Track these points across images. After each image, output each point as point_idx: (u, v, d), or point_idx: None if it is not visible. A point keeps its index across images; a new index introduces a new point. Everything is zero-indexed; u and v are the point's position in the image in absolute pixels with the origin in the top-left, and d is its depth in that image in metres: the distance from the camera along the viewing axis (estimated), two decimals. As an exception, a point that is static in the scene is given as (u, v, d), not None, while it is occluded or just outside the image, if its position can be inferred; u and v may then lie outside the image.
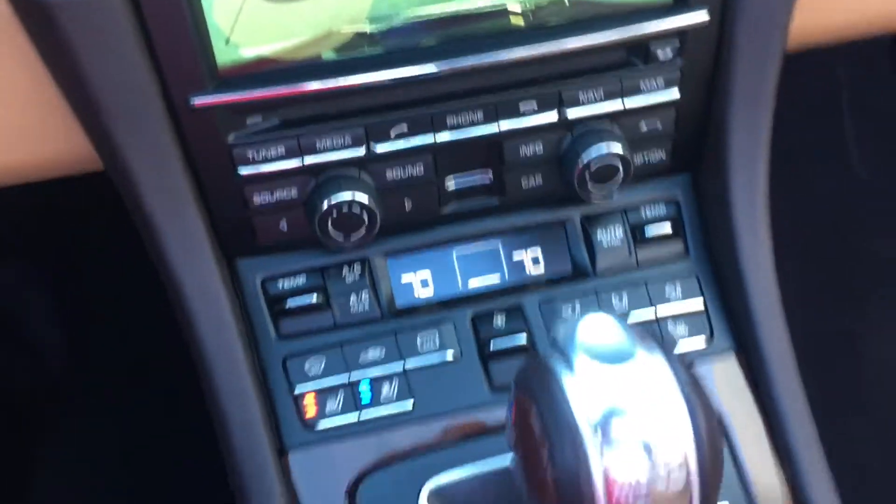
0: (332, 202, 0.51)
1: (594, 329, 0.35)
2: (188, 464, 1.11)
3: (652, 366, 0.34)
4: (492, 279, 0.57)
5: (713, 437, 0.34)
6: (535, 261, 0.58)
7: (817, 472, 0.55)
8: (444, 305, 0.56)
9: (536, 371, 0.35)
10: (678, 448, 0.33)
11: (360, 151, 0.51)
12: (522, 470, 0.37)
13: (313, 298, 0.54)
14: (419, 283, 0.57)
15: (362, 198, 0.51)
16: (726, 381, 0.56)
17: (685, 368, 0.35)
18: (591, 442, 0.33)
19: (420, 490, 0.50)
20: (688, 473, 0.33)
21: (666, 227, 0.58)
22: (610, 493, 0.33)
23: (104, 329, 1.15)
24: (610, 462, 0.33)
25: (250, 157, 0.50)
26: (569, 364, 0.34)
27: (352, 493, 0.51)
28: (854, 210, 1.28)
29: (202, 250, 0.52)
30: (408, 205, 0.55)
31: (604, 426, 0.33)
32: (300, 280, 0.55)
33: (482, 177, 0.55)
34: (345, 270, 0.55)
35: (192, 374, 0.56)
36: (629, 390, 0.34)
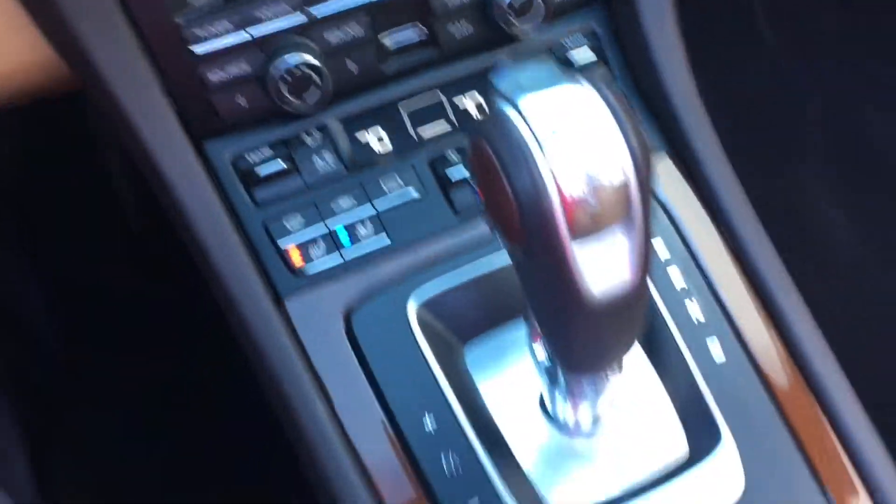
0: (284, 67, 0.56)
1: (532, 69, 0.40)
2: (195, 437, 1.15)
3: (588, 93, 0.39)
4: (441, 126, 0.63)
5: (644, 145, 0.39)
6: (480, 107, 0.63)
7: (768, 259, 0.61)
8: (401, 156, 0.61)
9: (486, 117, 0.40)
10: (616, 156, 0.39)
11: (301, 17, 0.56)
12: (488, 214, 0.42)
13: (281, 165, 0.59)
14: (375, 140, 0.61)
15: (310, 59, 0.56)
16: (668, 179, 0.62)
17: (617, 96, 0.40)
18: (541, 160, 0.38)
19: (407, 306, 0.56)
20: (625, 177, 0.39)
21: (590, 55, 0.64)
22: (564, 203, 0.38)
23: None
24: (561, 176, 0.38)
25: (200, 35, 0.55)
26: (512, 101, 0.39)
27: (348, 324, 0.56)
28: (766, 78, 1.37)
29: (173, 131, 0.57)
30: (352, 66, 0.60)
31: (550, 145, 0.38)
32: (267, 152, 0.60)
33: (417, 31, 0.61)
34: (306, 138, 0.60)
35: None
36: (569, 111, 0.39)
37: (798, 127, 1.45)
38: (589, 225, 0.39)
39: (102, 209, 1.12)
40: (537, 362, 0.50)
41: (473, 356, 0.57)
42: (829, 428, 0.54)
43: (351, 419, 0.53)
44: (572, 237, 0.39)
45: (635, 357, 0.56)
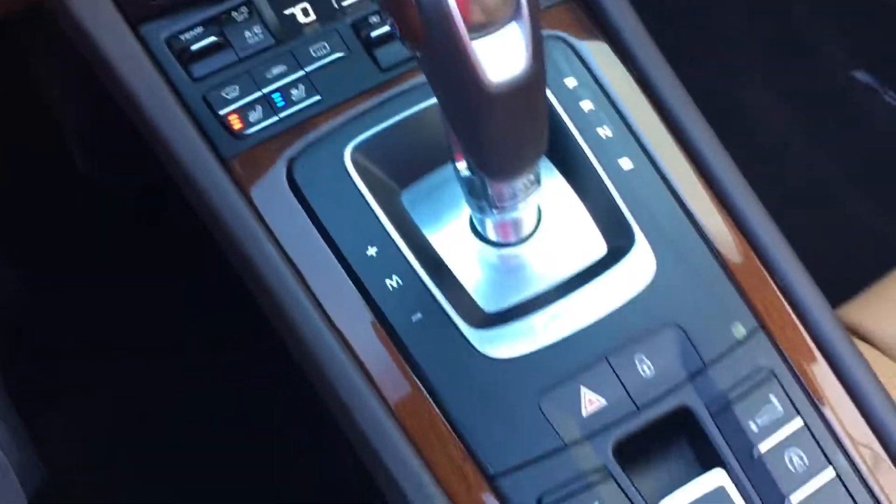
0: None
1: None
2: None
3: None
4: None
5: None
6: None
7: (708, 140, 0.64)
8: (325, 24, 0.65)
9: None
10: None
11: None
12: (391, 18, 0.46)
13: (213, 39, 0.63)
14: (300, 12, 0.66)
15: None
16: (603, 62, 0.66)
17: None
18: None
19: (344, 152, 0.60)
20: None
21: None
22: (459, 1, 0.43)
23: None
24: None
25: None
26: None
27: (290, 176, 0.61)
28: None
29: (109, 13, 0.62)
30: (271, -56, 0.64)
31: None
32: (199, 30, 0.64)
33: None
34: (235, 14, 0.65)
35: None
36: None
37: (725, 15, 1.51)
38: (482, 19, 0.44)
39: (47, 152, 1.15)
40: (461, 179, 0.55)
41: (409, 197, 0.62)
42: (733, 224, 0.60)
43: (300, 256, 0.58)
44: (468, 31, 0.44)
45: (552, 177, 0.61)
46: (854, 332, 0.83)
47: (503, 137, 0.49)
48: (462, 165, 0.55)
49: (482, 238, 0.60)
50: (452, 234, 0.61)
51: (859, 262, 0.96)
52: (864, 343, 0.80)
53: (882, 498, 0.52)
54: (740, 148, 1.53)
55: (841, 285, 0.91)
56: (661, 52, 0.70)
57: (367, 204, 0.59)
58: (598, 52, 0.65)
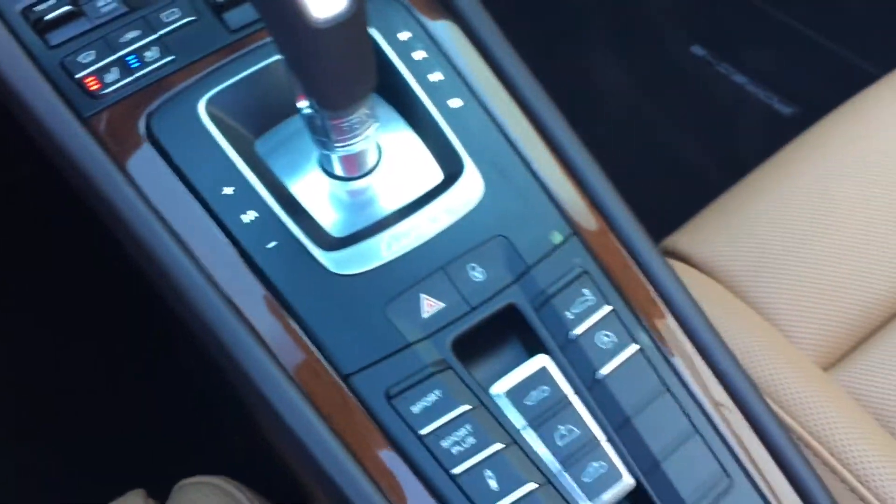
0: None
1: None
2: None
3: None
4: None
5: None
6: None
7: (530, 85, 0.72)
8: None
9: None
10: None
11: None
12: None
13: (67, 7, 0.68)
14: None
15: None
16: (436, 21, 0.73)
17: None
18: None
19: (198, 104, 0.66)
20: None
21: None
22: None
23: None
24: None
25: None
26: None
27: (150, 131, 0.66)
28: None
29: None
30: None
31: None
32: (52, 1, 0.68)
33: None
34: None
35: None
36: None
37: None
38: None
39: None
40: (304, 118, 0.61)
41: (263, 144, 0.68)
42: (552, 151, 0.68)
43: (161, 201, 0.63)
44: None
45: (392, 117, 0.68)
46: (678, 256, 0.93)
47: (332, 72, 0.56)
48: (303, 103, 0.61)
49: (330, 174, 0.66)
50: (303, 173, 0.67)
51: (687, 201, 1.08)
52: (683, 264, 0.91)
53: (678, 364, 0.62)
54: (592, 118, 1.67)
55: (671, 220, 1.03)
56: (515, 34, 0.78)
57: (222, 149, 0.65)
58: (429, 10, 0.72)
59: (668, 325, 0.63)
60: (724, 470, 0.59)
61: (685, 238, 0.94)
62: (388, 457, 0.58)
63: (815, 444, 0.75)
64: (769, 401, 0.77)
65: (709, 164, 1.53)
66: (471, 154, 0.66)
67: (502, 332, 0.63)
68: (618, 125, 1.58)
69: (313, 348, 0.60)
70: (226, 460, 1.06)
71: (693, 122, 1.58)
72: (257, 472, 0.93)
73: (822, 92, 1.35)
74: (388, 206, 0.66)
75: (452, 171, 0.67)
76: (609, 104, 1.61)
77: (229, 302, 0.61)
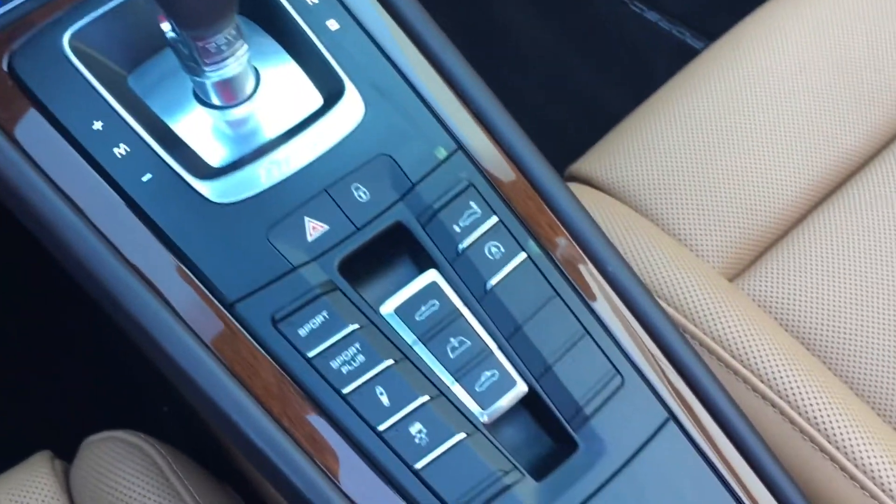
0: None
1: None
2: None
3: None
4: None
5: None
6: None
7: (415, 10, 0.71)
8: None
9: None
10: None
11: None
12: None
13: None
14: None
15: None
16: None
17: None
18: None
19: (62, 40, 0.63)
20: None
21: None
22: None
23: None
24: None
25: None
26: None
27: (13, 72, 0.63)
28: None
29: None
30: None
31: None
32: None
33: None
34: None
35: None
36: None
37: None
38: None
39: None
40: (170, 43, 0.59)
41: (136, 79, 0.66)
42: (436, 70, 0.67)
43: (27, 140, 0.61)
44: None
45: (267, 42, 0.66)
46: (584, 181, 0.93)
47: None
48: (166, 27, 0.59)
49: (206, 104, 0.64)
50: (178, 104, 0.65)
51: (601, 136, 1.08)
52: (588, 187, 0.91)
53: (567, 270, 0.61)
54: (501, 55, 1.65)
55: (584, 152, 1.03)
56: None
57: (89, 84, 0.62)
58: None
59: (557, 233, 0.63)
60: (616, 369, 0.59)
61: (590, 162, 0.94)
62: (278, 381, 0.57)
63: (718, 349, 0.76)
64: (671, 310, 0.78)
65: (623, 99, 1.54)
66: (350, 75, 0.65)
67: (392, 251, 0.62)
68: (529, 63, 1.58)
69: (195, 280, 0.59)
70: (144, 418, 1.04)
71: (606, 59, 1.59)
72: (178, 429, 0.92)
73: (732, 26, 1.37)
74: (268, 132, 0.64)
75: (332, 93, 0.65)
76: (519, 42, 1.61)
77: (105, 239, 0.59)
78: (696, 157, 0.91)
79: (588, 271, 0.62)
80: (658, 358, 0.60)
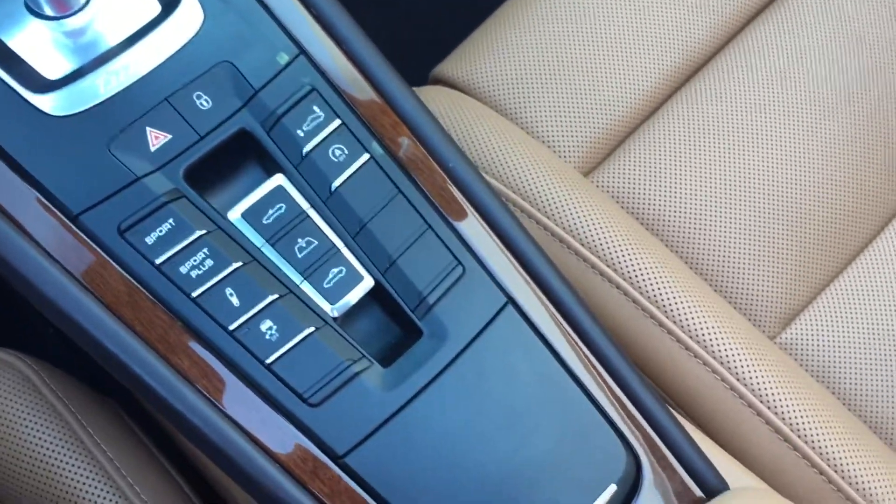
0: None
1: None
2: None
3: None
4: None
5: None
6: None
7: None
8: None
9: None
10: None
11: None
12: None
13: None
14: None
15: None
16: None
17: None
18: None
19: None
20: None
21: None
22: None
23: None
24: None
25: None
26: None
27: None
28: None
29: None
30: None
31: None
32: None
33: None
34: None
35: None
36: None
37: None
38: None
39: None
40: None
41: None
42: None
43: None
44: None
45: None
46: (447, 83, 0.95)
47: None
48: (-15, -65, 0.57)
49: (39, 15, 0.63)
50: (11, 19, 0.63)
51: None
52: (451, 89, 0.93)
53: (410, 168, 0.64)
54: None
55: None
56: None
57: None
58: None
59: (399, 133, 0.65)
60: (458, 259, 0.63)
61: (452, 64, 0.95)
62: (128, 289, 0.58)
63: (569, 238, 0.80)
64: (526, 204, 0.82)
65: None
66: None
67: (237, 158, 0.63)
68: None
69: (38, 194, 0.59)
70: (27, 339, 1.03)
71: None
72: (63, 351, 0.92)
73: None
74: (104, 43, 0.63)
75: (169, 1, 0.65)
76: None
77: None
78: (556, 54, 0.93)
79: (431, 168, 0.65)
80: (498, 246, 0.64)
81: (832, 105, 0.94)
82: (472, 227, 0.65)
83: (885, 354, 0.87)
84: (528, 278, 0.64)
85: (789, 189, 0.92)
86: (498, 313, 0.62)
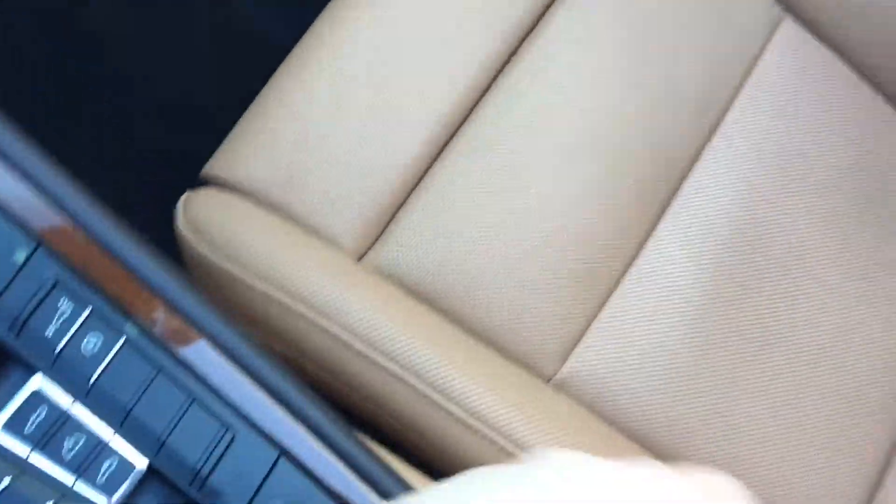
0: None
1: None
2: None
3: None
4: None
5: None
6: None
7: None
8: None
9: None
10: None
11: None
12: None
13: None
14: None
15: None
16: None
17: None
18: None
19: None
20: None
21: None
22: None
23: None
24: None
25: None
26: None
27: None
28: None
29: None
30: None
31: None
32: None
33: None
34: None
35: None
36: None
37: None
38: None
39: None
40: None
41: None
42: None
43: None
44: None
45: None
46: (216, 182, 0.96)
47: None
48: None
49: None
50: None
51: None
52: (220, 189, 0.94)
53: (168, 343, 0.66)
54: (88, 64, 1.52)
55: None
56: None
57: None
58: None
59: (152, 307, 0.67)
60: (225, 425, 0.66)
61: (218, 162, 0.96)
62: None
63: (353, 341, 0.85)
64: (301, 306, 0.86)
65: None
66: None
67: (-5, 368, 0.64)
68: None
69: None
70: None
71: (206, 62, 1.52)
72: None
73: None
74: None
75: None
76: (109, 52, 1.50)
77: None
78: (318, 135, 0.95)
79: (188, 335, 0.68)
80: (264, 399, 0.68)
81: (584, 147, 1.02)
82: (237, 386, 0.68)
83: (655, 371, 0.98)
84: (298, 424, 0.68)
85: (554, 233, 0.99)
86: (273, 467, 0.66)
